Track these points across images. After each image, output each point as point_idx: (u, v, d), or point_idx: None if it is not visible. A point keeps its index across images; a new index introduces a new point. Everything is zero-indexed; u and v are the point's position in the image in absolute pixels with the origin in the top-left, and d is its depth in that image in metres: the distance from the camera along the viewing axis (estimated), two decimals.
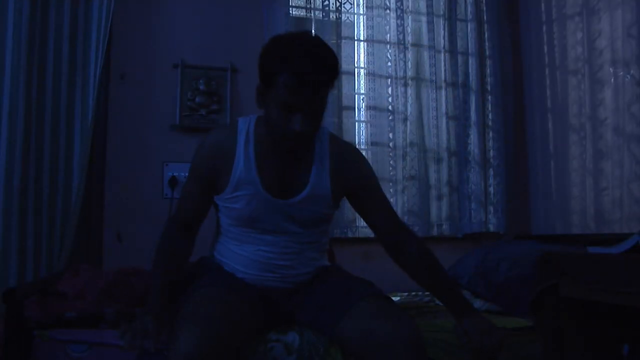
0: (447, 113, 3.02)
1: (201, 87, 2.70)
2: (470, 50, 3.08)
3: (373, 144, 2.93)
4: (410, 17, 3.03)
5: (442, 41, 3.06)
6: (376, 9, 2.97)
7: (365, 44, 3.00)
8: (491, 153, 3.08)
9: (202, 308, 1.39)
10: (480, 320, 1.53)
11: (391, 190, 2.90)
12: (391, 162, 2.94)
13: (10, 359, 1.59)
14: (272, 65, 1.44)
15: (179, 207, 1.65)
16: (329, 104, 1.56)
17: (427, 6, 3.04)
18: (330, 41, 2.78)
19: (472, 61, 3.07)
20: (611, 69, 2.65)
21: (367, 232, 2.65)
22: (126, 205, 2.57)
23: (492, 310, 2.12)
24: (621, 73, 2.59)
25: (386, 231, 1.66)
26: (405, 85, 2.96)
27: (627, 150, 2.54)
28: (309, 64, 1.40)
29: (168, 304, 1.48)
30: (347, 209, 2.62)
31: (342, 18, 2.95)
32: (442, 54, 3.04)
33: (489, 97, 3.10)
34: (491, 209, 3.05)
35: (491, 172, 3.08)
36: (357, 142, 2.98)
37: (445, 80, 3.03)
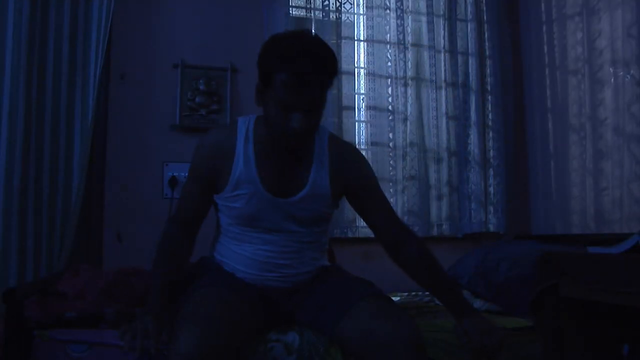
0: (447, 113, 3.02)
1: (201, 87, 2.70)
2: (470, 50, 3.08)
3: (373, 144, 2.93)
4: (410, 17, 3.03)
5: (442, 41, 3.06)
6: (376, 9, 2.97)
7: (365, 44, 3.00)
8: (491, 153, 3.08)
9: (202, 308, 1.39)
10: (480, 320, 1.53)
11: (391, 190, 2.90)
12: (391, 162, 2.93)
13: (10, 359, 1.59)
14: (271, 64, 1.44)
15: (178, 207, 1.65)
16: (329, 103, 1.56)
17: (427, 6, 3.04)
18: (330, 41, 2.78)
19: (472, 61, 3.07)
20: (611, 69, 2.65)
21: (367, 232, 2.64)
22: (126, 205, 2.57)
23: (492, 310, 2.12)
24: (621, 73, 2.59)
25: (386, 231, 1.66)
26: (405, 85, 2.96)
27: (627, 150, 2.54)
28: (307, 62, 1.40)
29: (168, 304, 1.48)
30: (347, 209, 2.62)
31: (342, 18, 2.95)
32: (442, 54, 3.04)
33: (489, 97, 3.10)
34: (491, 209, 3.05)
35: (491, 172, 3.07)
36: (357, 142, 2.98)
37: (445, 80, 3.03)
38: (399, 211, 2.84)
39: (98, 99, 2.45)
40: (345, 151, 1.68)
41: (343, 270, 1.73)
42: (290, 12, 2.85)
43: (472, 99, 3.06)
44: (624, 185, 2.54)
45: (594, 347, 1.68)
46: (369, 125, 2.96)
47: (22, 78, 2.24)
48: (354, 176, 1.65)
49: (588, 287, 1.53)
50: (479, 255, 2.34)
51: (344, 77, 2.90)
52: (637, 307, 1.44)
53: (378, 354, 1.38)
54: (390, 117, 2.93)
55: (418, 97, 3.00)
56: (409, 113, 2.96)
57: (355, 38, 3.03)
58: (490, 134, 3.09)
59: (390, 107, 2.93)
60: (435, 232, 2.97)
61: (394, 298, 2.01)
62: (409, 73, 2.98)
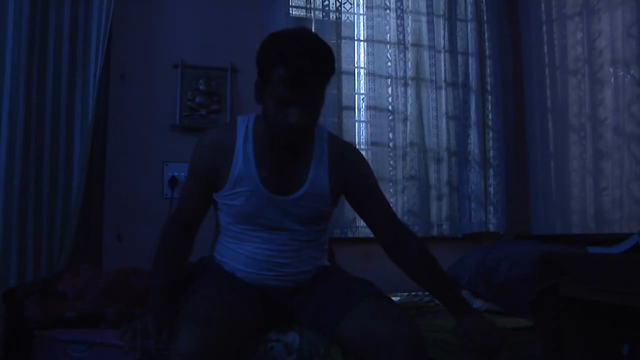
0: (447, 113, 3.02)
1: (201, 87, 2.70)
2: (470, 50, 3.08)
3: (373, 144, 2.93)
4: (410, 17, 3.03)
5: (442, 41, 3.06)
6: (376, 9, 2.97)
7: (365, 44, 3.00)
8: (491, 153, 3.08)
9: (202, 308, 1.39)
10: (480, 320, 1.54)
11: (391, 190, 2.90)
12: (391, 162, 2.93)
13: (10, 359, 1.59)
14: (268, 60, 1.45)
15: (178, 207, 1.66)
16: (328, 104, 1.56)
17: (427, 6, 3.04)
18: (330, 41, 2.78)
19: (472, 61, 3.07)
20: (611, 69, 2.65)
21: (367, 232, 2.63)
22: (126, 205, 2.57)
23: (492, 310, 2.11)
24: (621, 73, 2.59)
25: (385, 231, 1.67)
26: (405, 85, 2.96)
27: (627, 150, 2.54)
28: (305, 58, 1.41)
29: (168, 304, 1.49)
30: (347, 209, 2.62)
31: (342, 18, 2.95)
32: (442, 54, 3.04)
33: (489, 97, 3.10)
34: (491, 209, 3.05)
35: (491, 172, 3.07)
36: (357, 142, 2.98)
37: (445, 80, 3.03)
38: (399, 211, 2.84)
39: (98, 99, 2.45)
40: (345, 151, 1.68)
41: (343, 270, 1.73)
42: (290, 12, 2.86)
43: (472, 99, 3.06)
44: (624, 185, 2.54)
45: (594, 347, 1.68)
46: (369, 125, 2.96)
47: (22, 78, 2.24)
48: (353, 176, 1.65)
49: (588, 287, 1.53)
50: (479, 255, 2.34)
51: (344, 77, 2.89)
52: (637, 307, 1.43)
53: (378, 354, 1.38)
54: (390, 117, 2.93)
55: (418, 97, 3.00)
56: (409, 113, 2.96)
57: (355, 38, 3.03)
58: (490, 134, 3.09)
59: (390, 107, 2.93)
60: (435, 232, 2.97)
61: (394, 298, 2.01)
62: (409, 73, 2.98)
